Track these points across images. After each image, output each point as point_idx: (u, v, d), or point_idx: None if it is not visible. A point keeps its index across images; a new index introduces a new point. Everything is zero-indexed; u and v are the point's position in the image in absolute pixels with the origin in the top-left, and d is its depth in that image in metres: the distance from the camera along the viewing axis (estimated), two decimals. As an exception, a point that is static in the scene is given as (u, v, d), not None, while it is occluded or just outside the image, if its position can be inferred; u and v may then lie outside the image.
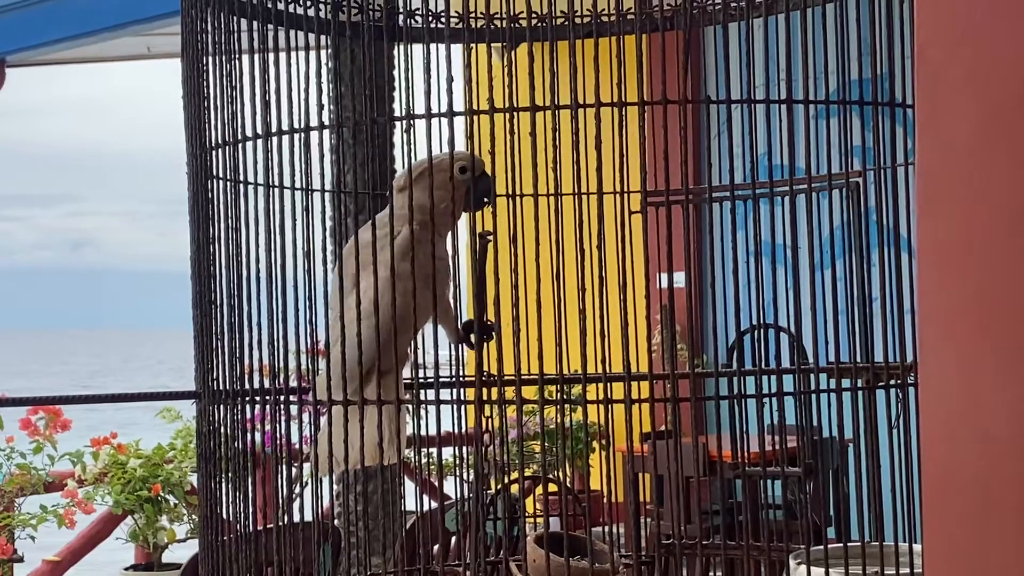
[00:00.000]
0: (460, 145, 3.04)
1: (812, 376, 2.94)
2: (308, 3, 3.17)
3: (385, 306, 2.92)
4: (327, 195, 3.20)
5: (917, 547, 2.94)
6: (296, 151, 2.97)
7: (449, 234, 3.08)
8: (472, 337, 2.96)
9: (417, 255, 2.89)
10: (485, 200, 3.03)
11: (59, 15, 8.15)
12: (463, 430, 3.20)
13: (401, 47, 3.01)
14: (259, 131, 3.01)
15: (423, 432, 3.19)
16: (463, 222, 3.06)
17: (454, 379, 2.96)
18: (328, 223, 3.28)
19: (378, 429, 2.93)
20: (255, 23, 3.04)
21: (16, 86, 9.02)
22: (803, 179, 2.93)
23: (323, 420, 3.05)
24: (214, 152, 3.13)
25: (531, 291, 2.80)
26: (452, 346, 3.02)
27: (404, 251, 2.91)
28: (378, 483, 4.27)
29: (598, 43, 2.73)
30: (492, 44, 2.83)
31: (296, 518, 3.14)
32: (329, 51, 3.21)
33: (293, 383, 3.12)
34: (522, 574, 3.14)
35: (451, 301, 3.09)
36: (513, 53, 2.88)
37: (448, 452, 5.55)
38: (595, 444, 7.46)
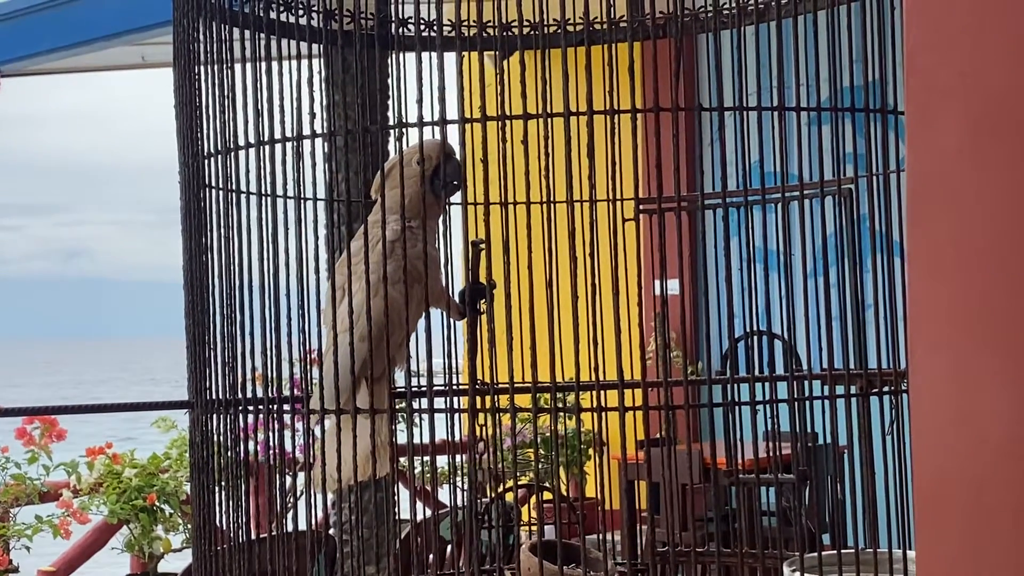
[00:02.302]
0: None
1: (806, 383, 2.94)
2: (301, 12, 3.17)
3: (373, 310, 2.92)
4: (320, 203, 3.20)
5: (912, 553, 2.94)
6: (289, 160, 2.97)
7: (432, 226, 3.09)
8: (478, 305, 2.99)
9: (397, 257, 2.90)
10: (454, 183, 3.04)
11: (54, 25, 8.15)
12: (457, 438, 3.19)
13: (394, 56, 3.01)
14: (252, 140, 3.01)
15: (417, 440, 3.19)
16: (457, 230, 3.06)
17: (447, 387, 2.96)
18: (322, 231, 3.28)
19: (371, 439, 2.93)
20: (247, 32, 3.04)
21: (10, 96, 9.02)
22: (796, 186, 2.94)
23: (318, 429, 3.05)
24: (207, 161, 3.13)
25: (524, 299, 2.80)
26: (445, 354, 3.02)
27: (380, 260, 2.92)
28: (372, 492, 4.27)
29: (590, 51, 2.74)
30: (485, 52, 2.83)
31: (291, 527, 3.13)
32: (322, 60, 3.21)
33: (287, 391, 3.12)
34: (517, 582, 3.13)
35: (442, 285, 3.11)
36: (505, 61, 2.89)
37: (442, 460, 5.54)
38: (590, 452, 7.46)
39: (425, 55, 2.87)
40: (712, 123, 2.86)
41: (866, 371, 2.99)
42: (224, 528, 3.17)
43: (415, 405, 2.93)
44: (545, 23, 2.85)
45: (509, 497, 4.38)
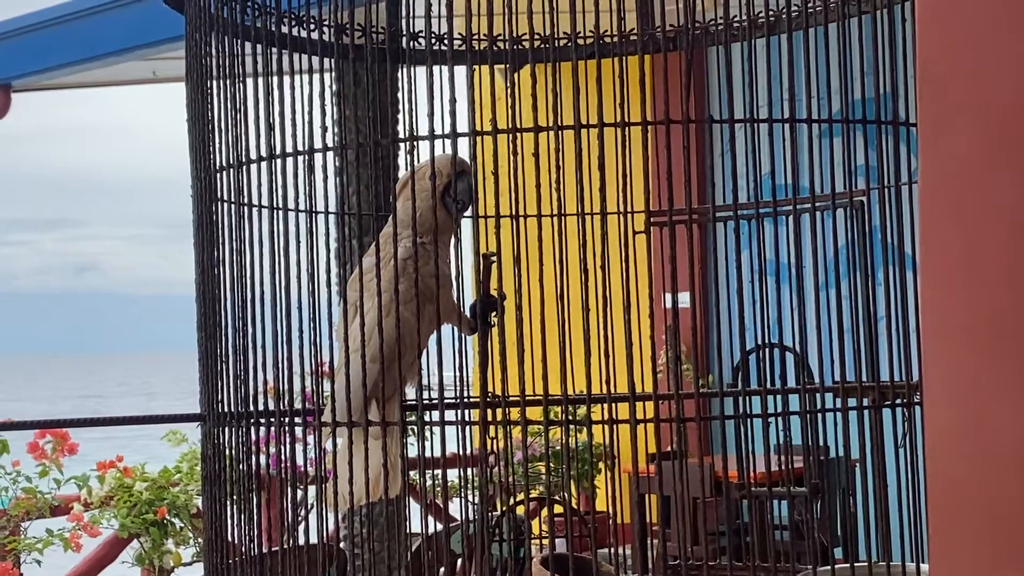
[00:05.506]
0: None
1: (818, 395, 2.94)
2: (312, 26, 3.18)
3: (385, 330, 2.92)
4: (331, 217, 3.21)
5: (925, 567, 2.93)
6: (301, 173, 2.97)
7: (445, 241, 3.08)
8: (489, 318, 2.99)
9: (409, 275, 2.90)
10: (464, 201, 3.04)
11: (64, 40, 8.18)
12: (468, 451, 3.19)
13: (404, 69, 3.01)
14: (264, 153, 3.02)
15: (428, 453, 3.19)
16: (468, 242, 3.06)
17: (459, 400, 2.96)
18: (333, 245, 3.28)
19: (382, 453, 2.93)
20: (259, 46, 3.05)
21: (22, 111, 9.04)
22: (807, 198, 2.94)
23: (329, 444, 3.05)
24: (219, 175, 3.14)
25: (535, 312, 2.80)
26: (456, 367, 3.02)
27: (392, 278, 2.92)
28: (384, 506, 4.27)
29: (600, 64, 2.74)
30: (496, 66, 2.83)
31: (302, 541, 3.13)
32: (333, 74, 3.22)
33: (299, 404, 3.12)
34: (528, 596, 3.13)
35: (454, 301, 3.10)
36: (516, 74, 2.89)
37: (453, 473, 5.54)
38: (601, 465, 7.45)
39: (436, 68, 2.88)
40: (723, 135, 2.86)
41: (878, 383, 2.99)
42: (235, 541, 3.17)
43: (426, 418, 2.93)
44: (556, 36, 2.85)
45: (520, 510, 4.37)
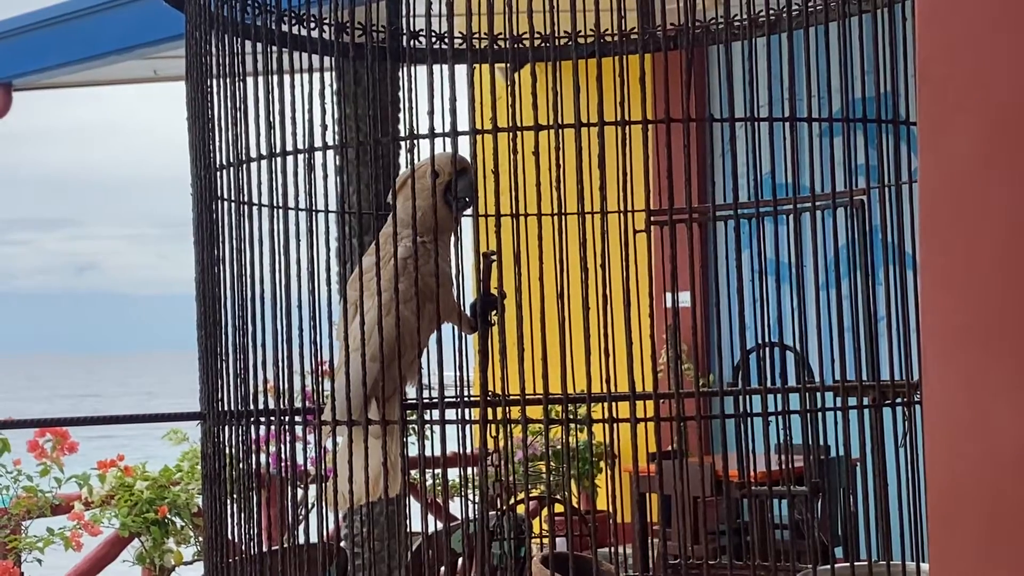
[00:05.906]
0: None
1: (818, 394, 2.94)
2: (312, 25, 3.18)
3: (385, 329, 2.93)
4: (332, 215, 3.21)
5: (925, 566, 2.93)
6: (301, 172, 2.97)
7: (446, 240, 3.08)
8: (489, 316, 2.99)
9: (409, 274, 2.90)
10: (466, 199, 3.04)
11: (64, 39, 8.18)
12: (469, 450, 3.19)
13: (405, 68, 3.01)
14: (264, 152, 3.02)
15: (428, 452, 3.19)
16: (468, 241, 3.06)
17: (459, 399, 2.96)
18: (333, 243, 3.28)
19: (383, 452, 2.93)
20: (259, 45, 3.05)
21: (22, 110, 9.04)
22: (807, 197, 2.94)
23: (329, 443, 3.05)
24: (219, 173, 3.14)
25: (535, 311, 2.80)
26: (456, 366, 3.02)
27: (392, 277, 2.92)
28: (384, 505, 4.27)
29: (601, 62, 2.74)
30: (496, 64, 2.83)
31: (302, 540, 3.13)
32: (333, 72, 3.22)
33: (299, 403, 3.12)
34: (528, 595, 3.13)
35: (454, 300, 3.10)
36: (517, 73, 2.89)
37: (454, 472, 5.55)
38: (601, 464, 7.45)
39: (436, 67, 2.88)
40: (723, 134, 2.86)
41: (879, 383, 2.99)
42: (236, 540, 3.17)
43: (426, 417, 2.93)
44: (556, 35, 2.85)
45: (520, 509, 4.37)
